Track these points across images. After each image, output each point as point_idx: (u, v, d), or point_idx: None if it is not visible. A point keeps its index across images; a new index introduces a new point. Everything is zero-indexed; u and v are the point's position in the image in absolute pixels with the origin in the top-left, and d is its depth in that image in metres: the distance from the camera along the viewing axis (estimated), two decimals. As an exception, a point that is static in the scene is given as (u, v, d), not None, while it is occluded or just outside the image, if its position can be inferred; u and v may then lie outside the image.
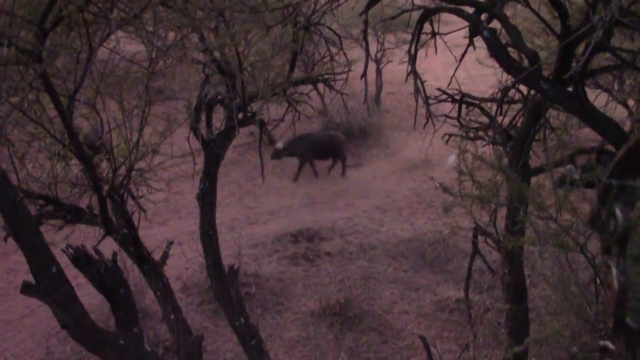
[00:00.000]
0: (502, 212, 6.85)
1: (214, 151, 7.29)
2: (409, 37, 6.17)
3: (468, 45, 5.51)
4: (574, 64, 4.87)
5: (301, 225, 13.85)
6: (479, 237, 7.75)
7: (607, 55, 6.04)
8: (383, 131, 20.38)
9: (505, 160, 6.52)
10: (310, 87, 8.31)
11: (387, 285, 11.60)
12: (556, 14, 4.93)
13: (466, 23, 5.17)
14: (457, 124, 7.83)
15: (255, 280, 11.45)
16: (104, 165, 6.68)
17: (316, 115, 18.85)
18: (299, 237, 13.32)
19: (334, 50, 7.83)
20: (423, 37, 5.82)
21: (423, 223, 14.22)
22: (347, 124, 19.61)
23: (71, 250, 5.84)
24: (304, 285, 11.58)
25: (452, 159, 16.39)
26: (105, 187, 6.19)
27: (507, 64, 5.00)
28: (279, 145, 16.93)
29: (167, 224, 14.61)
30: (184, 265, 11.85)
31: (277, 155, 17.06)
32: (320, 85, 8.28)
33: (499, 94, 7.24)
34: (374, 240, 13.34)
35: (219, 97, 7.12)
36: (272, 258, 12.53)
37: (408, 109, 21.25)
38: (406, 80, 6.31)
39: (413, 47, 5.68)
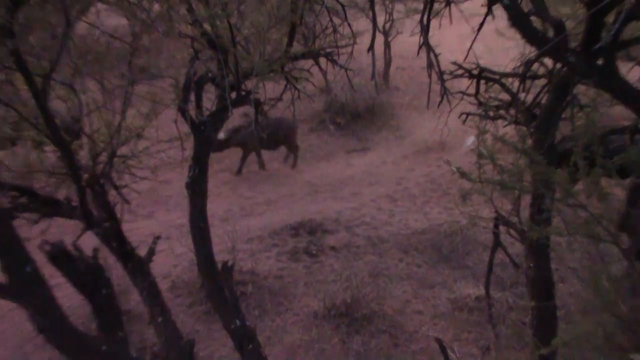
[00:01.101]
0: (526, 200, 6.88)
1: (204, 135, 7.33)
2: (420, 5, 6.20)
3: (486, 15, 5.53)
4: (604, 34, 4.89)
5: (302, 216, 13.87)
6: (501, 227, 7.78)
7: (642, 23, 6.06)
8: (393, 111, 20.39)
9: (529, 142, 6.55)
10: (311, 62, 8.33)
11: (399, 283, 11.63)
12: (584, -21, 4.95)
13: (484, -10, 5.19)
14: (475, 101, 7.86)
15: (251, 278, 11.48)
16: (83, 151, 6.73)
17: (318, 93, 18.87)
18: (300, 230, 13.35)
19: (337, 21, 7.84)
20: (436, 6, 5.84)
21: (438, 213, 14.24)
22: (353, 103, 19.63)
23: (48, 247, 5.89)
24: (306, 284, 11.61)
25: (470, 140, 16.43)
26: (85, 176, 6.24)
27: (529, 34, 5.02)
28: (221, 135, 16.69)
29: (154, 216, 14.65)
30: (173, 262, 11.90)
31: (219, 146, 16.74)
32: (322, 61, 8.29)
33: (522, 68, 7.26)
34: (384, 232, 13.36)
35: (210, 74, 7.14)
36: (271, 253, 12.56)
37: (420, 86, 21.22)
38: (418, 54, 6.34)
39: (425, 16, 5.70)
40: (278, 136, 17.14)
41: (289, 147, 17.66)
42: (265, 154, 17.63)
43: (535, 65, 7.21)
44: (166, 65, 7.33)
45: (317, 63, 8.46)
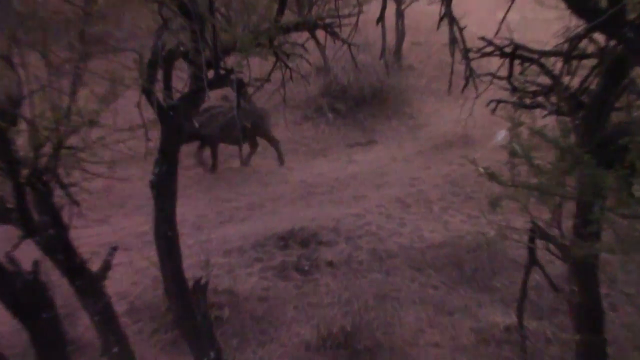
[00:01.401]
0: (570, 208, 6.86)
1: (174, 122, 7.29)
2: (442, -34, 6.17)
3: (524, -22, 5.50)
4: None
5: (293, 224, 13.83)
6: (538, 241, 7.75)
7: None
8: (406, 96, 20.38)
9: (574, 137, 6.53)
10: (306, 35, 8.31)
11: (411, 307, 11.60)
12: None
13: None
14: (508, 86, 7.83)
15: (229, 300, 11.45)
16: (22, 141, 6.69)
17: (314, 73, 18.83)
18: (290, 241, 13.31)
19: (339, -16, 7.83)
20: (462, -33, 5.82)
21: (460, 222, 14.22)
22: (357, 85, 19.60)
23: (-24, 259, 5.85)
24: (297, 307, 11.58)
25: (501, 134, 16.41)
26: (24, 172, 6.19)
27: (577, 4, 4.99)
28: None
29: (109, 221, 14.62)
30: (132, 279, 11.86)
31: None
32: (321, 33, 8.26)
33: (566, 45, 7.24)
34: (393, 245, 13.34)
35: (182, 48, 7.11)
36: (253, 269, 12.54)
37: (440, 66, 21.22)
38: (438, 27, 6.31)
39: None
40: (250, 128, 16.90)
41: (269, 141, 17.49)
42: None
43: (584, 42, 7.18)
44: (128, 36, 7.29)
45: (314, 36, 8.43)
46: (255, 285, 12.08)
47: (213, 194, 16.11)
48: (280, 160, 17.64)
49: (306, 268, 12.58)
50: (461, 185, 15.82)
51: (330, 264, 12.73)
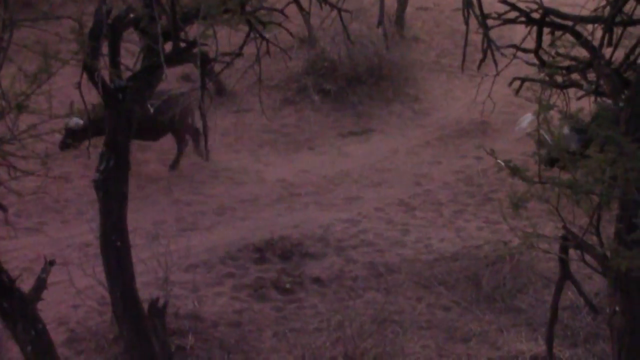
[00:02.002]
0: (611, 211, 6.85)
1: (123, 107, 7.26)
2: None
3: None
4: None
5: (271, 232, 13.83)
6: (571, 252, 7.74)
7: None
8: (410, 73, 20.38)
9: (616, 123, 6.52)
10: (286, -1, 8.30)
11: (417, 333, 11.60)
12: None
13: None
14: (536, 60, 7.82)
15: (194, 325, 11.41)
16: None
17: (297, 46, 18.78)
18: (268, 253, 13.29)
19: None
20: None
21: (477, 228, 14.24)
22: (349, 61, 19.58)
23: None
24: (276, 334, 11.56)
25: (526, 120, 16.41)
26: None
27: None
28: (74, 121, 15.36)
29: (44, 230, 14.54)
30: (73, 300, 11.81)
31: (72, 138, 14.73)
32: (304, -4, 8.25)
33: (607, 9, 7.22)
34: (394, 257, 13.33)
35: (132, 15, 7.08)
36: (223, 288, 12.51)
37: (451, 36, 21.26)
38: (450, -12, 6.29)
39: None
40: (167, 122, 16.28)
41: (177, 138, 16.90)
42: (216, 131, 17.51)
43: (629, 5, 7.17)
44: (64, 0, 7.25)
45: (296, 0, 8.42)
46: (225, 308, 12.05)
47: (172, 195, 16.06)
48: (173, 163, 17.12)
49: (288, 286, 12.57)
50: (477, 183, 15.86)
51: (317, 280, 12.72)
